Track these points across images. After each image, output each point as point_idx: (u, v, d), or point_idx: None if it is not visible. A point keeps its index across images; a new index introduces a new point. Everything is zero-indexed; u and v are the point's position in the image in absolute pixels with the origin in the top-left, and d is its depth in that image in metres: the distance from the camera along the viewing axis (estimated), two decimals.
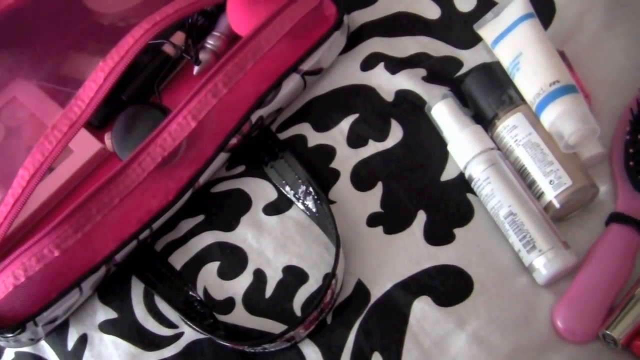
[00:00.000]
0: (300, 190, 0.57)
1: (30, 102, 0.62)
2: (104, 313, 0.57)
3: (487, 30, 0.59)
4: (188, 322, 0.54)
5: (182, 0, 0.56)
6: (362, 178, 0.58)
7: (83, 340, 0.56)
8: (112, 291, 0.57)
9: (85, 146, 0.59)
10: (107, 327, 0.56)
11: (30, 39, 0.63)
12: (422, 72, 0.61)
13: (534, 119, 0.55)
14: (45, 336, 0.56)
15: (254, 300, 0.55)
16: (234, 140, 0.57)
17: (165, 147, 0.53)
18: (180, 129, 0.53)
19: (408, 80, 0.60)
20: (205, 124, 0.54)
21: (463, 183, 0.56)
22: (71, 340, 0.57)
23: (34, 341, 0.56)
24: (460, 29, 0.62)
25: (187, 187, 0.56)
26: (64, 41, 0.63)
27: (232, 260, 0.57)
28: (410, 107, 0.59)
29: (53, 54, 0.63)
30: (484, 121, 0.57)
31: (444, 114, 0.57)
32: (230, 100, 0.55)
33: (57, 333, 0.57)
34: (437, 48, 0.62)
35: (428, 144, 0.58)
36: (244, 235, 0.57)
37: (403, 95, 0.60)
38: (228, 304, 0.55)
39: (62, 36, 0.63)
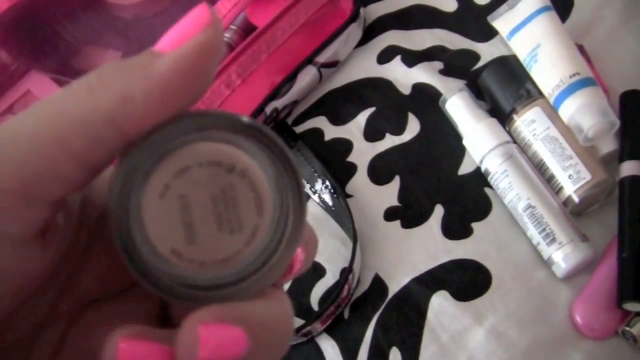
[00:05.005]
0: (316, 184, 0.57)
1: (45, 95, 0.61)
2: None
3: (502, 22, 0.59)
4: None
5: None
6: (379, 172, 0.57)
7: None
8: None
9: None
10: None
11: (45, 32, 0.63)
12: (439, 65, 0.60)
13: (551, 113, 0.54)
14: None
15: None
16: None
17: None
18: None
19: (425, 74, 0.60)
20: None
21: (480, 177, 0.56)
22: None
23: None
24: (476, 22, 0.61)
25: None
26: (78, 34, 0.63)
27: None
28: (427, 101, 0.59)
29: (68, 46, 0.63)
30: (501, 115, 0.56)
31: (459, 107, 0.56)
32: (244, 91, 0.55)
33: None
34: (453, 41, 0.61)
35: (445, 138, 0.58)
36: None
37: (420, 89, 0.59)
38: None
39: (77, 29, 0.63)
